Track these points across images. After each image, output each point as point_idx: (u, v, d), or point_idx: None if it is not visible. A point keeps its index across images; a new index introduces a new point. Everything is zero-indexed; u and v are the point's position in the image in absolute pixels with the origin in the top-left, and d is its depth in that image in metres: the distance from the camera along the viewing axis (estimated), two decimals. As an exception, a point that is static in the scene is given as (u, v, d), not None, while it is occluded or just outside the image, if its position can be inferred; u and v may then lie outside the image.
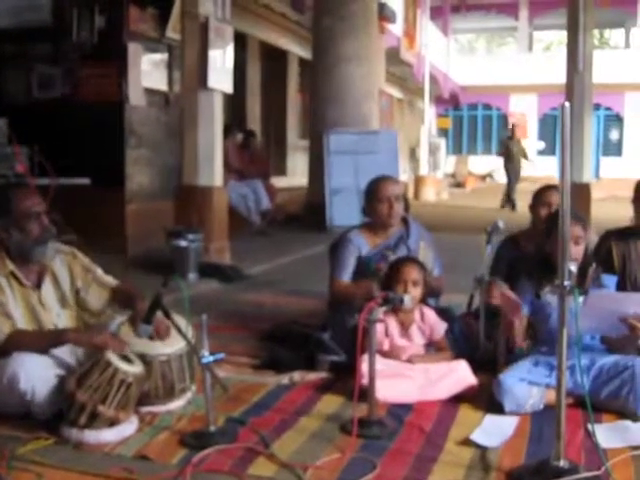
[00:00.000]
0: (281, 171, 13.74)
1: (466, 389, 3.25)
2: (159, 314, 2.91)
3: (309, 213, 10.46)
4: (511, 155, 15.45)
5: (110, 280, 3.30)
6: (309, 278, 6.27)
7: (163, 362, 3.00)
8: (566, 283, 2.36)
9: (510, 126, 16.97)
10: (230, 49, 7.13)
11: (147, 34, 8.02)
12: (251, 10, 11.97)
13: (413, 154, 21.91)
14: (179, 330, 2.84)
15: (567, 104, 2.26)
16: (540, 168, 23.71)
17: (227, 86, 7.10)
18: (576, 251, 3.35)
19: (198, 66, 6.76)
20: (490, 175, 25.75)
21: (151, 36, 8.09)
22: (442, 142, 24.16)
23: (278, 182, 12.02)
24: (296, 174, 13.56)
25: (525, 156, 15.82)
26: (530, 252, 4.00)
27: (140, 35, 7.86)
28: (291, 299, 5.57)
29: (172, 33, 8.11)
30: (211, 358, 2.73)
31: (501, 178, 24.95)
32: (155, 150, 8.08)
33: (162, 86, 8.34)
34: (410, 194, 18.90)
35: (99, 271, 3.30)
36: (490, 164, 26.48)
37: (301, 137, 14.29)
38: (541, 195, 4.19)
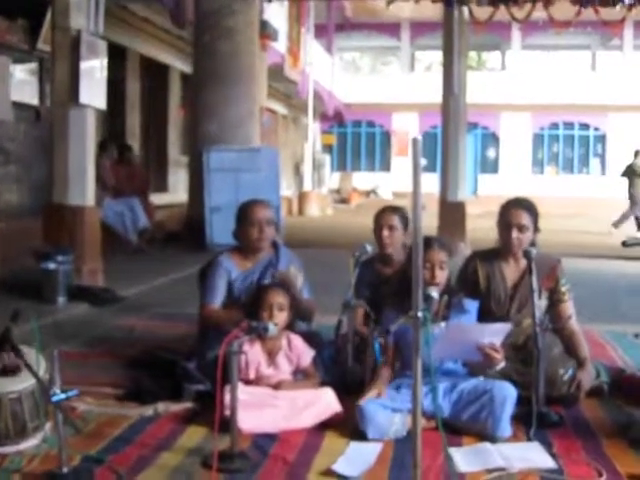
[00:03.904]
0: (162, 188, 13.50)
1: (332, 417, 3.24)
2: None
3: (189, 231, 10.29)
4: (636, 177, 14.52)
5: None
6: (185, 299, 6.11)
7: (13, 400, 2.84)
8: (419, 314, 2.38)
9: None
10: (103, 64, 6.93)
11: (16, 46, 7.72)
12: (131, 23, 11.74)
13: (298, 170, 22.05)
14: (29, 367, 2.69)
15: (419, 138, 2.29)
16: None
17: (100, 102, 6.89)
18: (440, 275, 3.43)
19: (69, 81, 6.52)
20: (374, 191, 26.21)
21: (21, 48, 7.79)
22: (327, 158, 24.45)
23: (159, 199, 11.80)
24: (178, 191, 13.35)
25: None
26: (387, 276, 4.06)
27: (8, 46, 7.55)
28: (163, 323, 5.43)
29: (44, 45, 7.83)
30: (62, 396, 2.60)
31: (384, 194, 25.58)
32: (25, 167, 7.76)
33: (33, 100, 8.05)
34: (294, 210, 19.00)
35: None
36: (374, 180, 26.99)
37: (183, 153, 14.09)
38: (379, 217, 4.23)
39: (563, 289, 3.83)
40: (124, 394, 3.64)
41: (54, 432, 2.93)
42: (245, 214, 3.99)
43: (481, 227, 12.11)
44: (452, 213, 11.38)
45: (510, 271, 3.88)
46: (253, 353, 3.38)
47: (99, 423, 3.26)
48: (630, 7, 10.66)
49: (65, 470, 2.64)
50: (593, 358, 3.93)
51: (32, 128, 7.92)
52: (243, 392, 3.08)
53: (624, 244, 12.68)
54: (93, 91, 6.72)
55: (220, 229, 9.52)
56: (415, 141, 2.27)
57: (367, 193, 26.06)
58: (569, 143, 27.78)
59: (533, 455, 2.96)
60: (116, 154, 9.72)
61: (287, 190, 19.77)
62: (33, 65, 8.05)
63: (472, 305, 3.52)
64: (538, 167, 27.87)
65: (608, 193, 25.24)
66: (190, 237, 10.04)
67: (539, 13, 11.99)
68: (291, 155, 22.72)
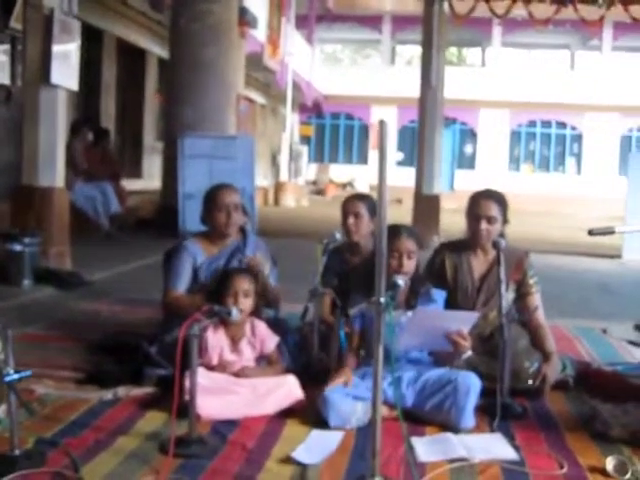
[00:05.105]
0: (137, 173, 13.37)
1: (294, 404, 3.20)
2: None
3: (162, 217, 10.20)
4: None
5: None
6: (153, 285, 6.01)
7: (-35, 380, 2.76)
8: (382, 300, 2.35)
9: None
10: (77, 45, 6.81)
11: (-13, 23, 7.54)
12: (109, 6, 11.59)
13: (275, 160, 21.95)
14: (-20, 346, 2.62)
15: (386, 121, 2.25)
16: (399, 178, 24.38)
17: (72, 83, 6.77)
18: (408, 265, 3.39)
19: (40, 60, 6.41)
20: (350, 184, 26.19)
21: (-8, 26, 7.62)
22: (304, 149, 24.38)
23: (133, 184, 11.69)
24: (153, 177, 13.22)
25: None
26: (355, 264, 4.03)
27: (-21, 24, 7.38)
28: (129, 307, 5.36)
29: (16, 24, 7.67)
30: (15, 376, 2.53)
31: (361, 187, 25.56)
32: (-5, 147, 7.60)
33: (4, 80, 7.86)
34: (270, 200, 18.93)
35: None
36: (351, 173, 26.96)
37: (158, 139, 13.95)
38: (345, 205, 4.21)
39: (530, 281, 3.83)
40: (84, 378, 3.57)
41: (8, 415, 2.86)
42: (212, 199, 3.93)
43: (456, 222, 12.14)
44: (427, 206, 11.41)
45: (478, 263, 3.86)
46: (216, 339, 3.32)
47: (56, 406, 3.19)
48: (609, 5, 10.70)
49: (17, 452, 2.57)
50: (560, 352, 3.93)
51: (2, 108, 7.76)
52: (204, 377, 3.03)
53: (590, 233, 12.73)
54: (65, 71, 6.61)
55: (193, 216, 9.30)
56: (382, 124, 2.23)
57: (344, 185, 26.03)
58: (546, 141, 27.95)
59: (495, 446, 2.94)
60: (91, 137, 9.59)
61: (263, 180, 19.69)
62: (4, 44, 7.87)
63: (440, 295, 3.49)
64: (514, 164, 28.01)
65: (583, 192, 25.48)
66: (163, 224, 9.94)
67: (519, 11, 12.02)
68: (268, 145, 22.62)
